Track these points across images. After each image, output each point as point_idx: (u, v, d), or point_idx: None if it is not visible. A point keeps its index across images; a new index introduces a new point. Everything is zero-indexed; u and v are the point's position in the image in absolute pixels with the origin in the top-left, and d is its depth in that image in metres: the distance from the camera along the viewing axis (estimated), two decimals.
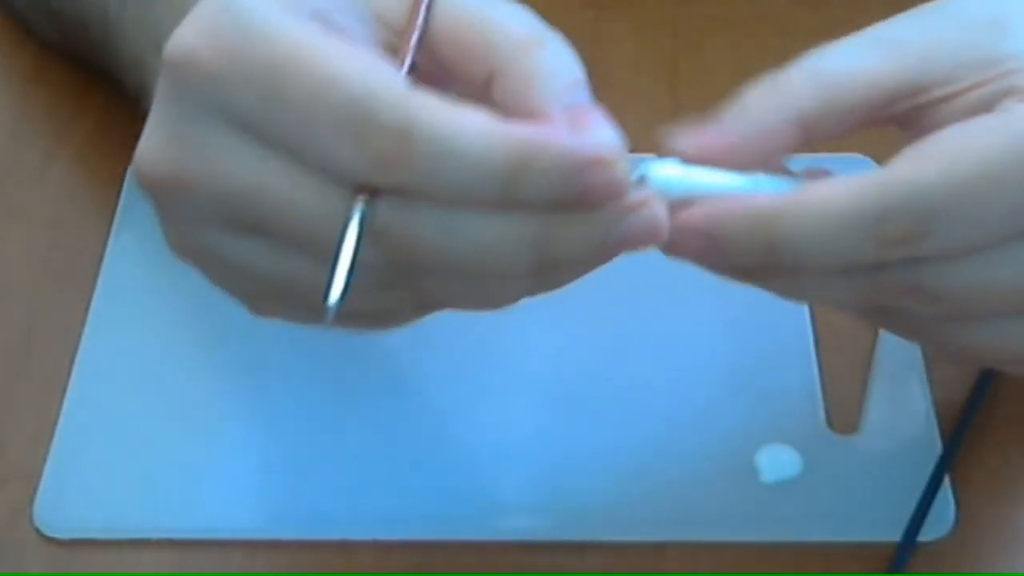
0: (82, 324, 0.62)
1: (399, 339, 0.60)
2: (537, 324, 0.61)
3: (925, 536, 0.55)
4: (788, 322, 0.61)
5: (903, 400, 0.59)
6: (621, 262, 0.63)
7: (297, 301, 0.48)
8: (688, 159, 0.49)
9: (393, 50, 0.48)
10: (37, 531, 0.56)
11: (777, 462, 0.56)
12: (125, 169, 0.66)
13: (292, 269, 0.47)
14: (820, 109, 0.50)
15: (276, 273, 0.47)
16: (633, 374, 0.60)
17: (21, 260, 0.65)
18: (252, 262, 0.48)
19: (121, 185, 0.66)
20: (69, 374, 0.60)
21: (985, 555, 0.55)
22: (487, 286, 0.47)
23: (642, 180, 0.48)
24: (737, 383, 0.59)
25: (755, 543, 0.55)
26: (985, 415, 0.58)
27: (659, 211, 0.47)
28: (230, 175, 0.46)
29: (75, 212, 0.67)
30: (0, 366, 0.61)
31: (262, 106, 0.45)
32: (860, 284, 0.48)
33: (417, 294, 0.48)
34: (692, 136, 0.50)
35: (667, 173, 0.49)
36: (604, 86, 0.72)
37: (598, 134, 0.46)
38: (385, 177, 0.44)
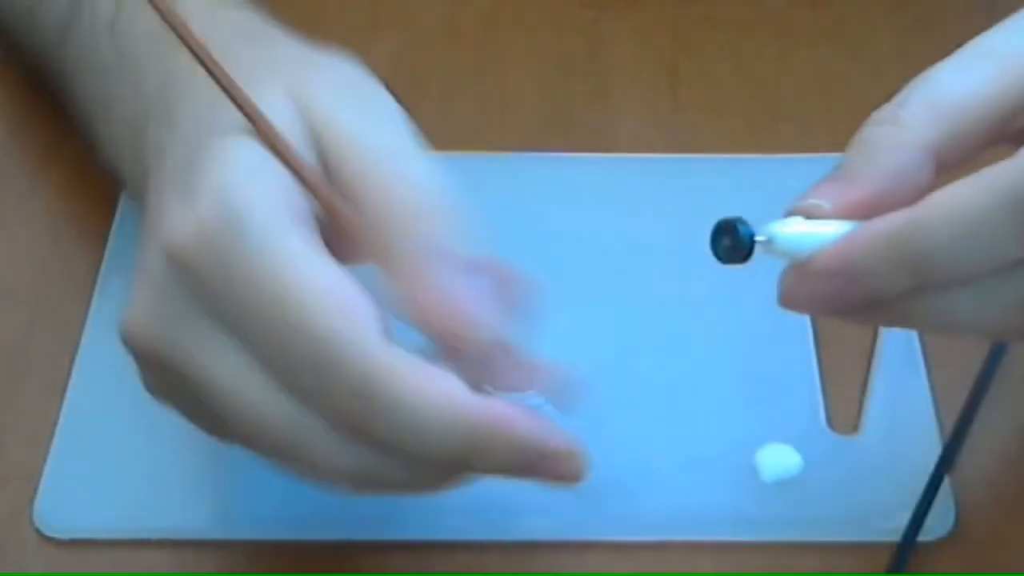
0: (82, 324, 0.62)
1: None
2: (537, 324, 0.61)
3: (925, 536, 0.55)
4: (788, 322, 0.60)
5: (903, 400, 0.59)
6: (621, 262, 0.64)
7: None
8: (824, 215, 0.48)
9: None
10: (37, 531, 0.56)
11: (777, 462, 0.56)
12: None
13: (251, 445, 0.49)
14: (948, 139, 0.48)
15: (237, 441, 0.50)
16: (633, 374, 0.60)
17: (21, 260, 0.65)
18: (214, 428, 0.50)
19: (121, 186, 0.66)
20: (69, 374, 0.60)
21: (985, 555, 0.55)
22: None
23: (769, 243, 0.47)
24: (737, 383, 0.59)
25: (755, 543, 0.55)
26: (985, 415, 0.58)
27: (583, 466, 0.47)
28: (206, 368, 0.47)
29: (75, 212, 0.67)
30: (0, 366, 0.61)
31: (245, 323, 0.46)
32: (1013, 291, 0.47)
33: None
34: (825, 192, 0.48)
35: (793, 231, 0.48)
36: (604, 86, 0.72)
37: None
38: (344, 423, 0.46)
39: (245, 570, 0.55)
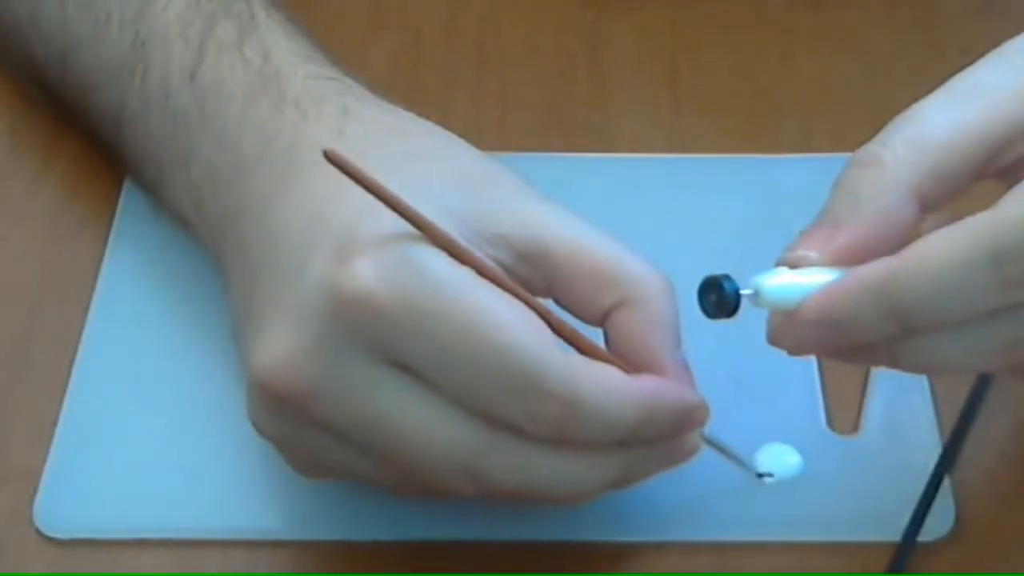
0: (82, 324, 0.62)
1: None
2: None
3: (925, 536, 0.55)
4: None
5: (903, 400, 0.59)
6: None
7: (361, 482, 0.53)
8: (811, 263, 0.48)
9: (509, 270, 0.51)
10: (37, 531, 0.56)
11: (777, 462, 0.56)
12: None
13: (381, 474, 0.51)
14: (931, 178, 0.48)
15: (361, 472, 0.51)
16: None
17: (21, 260, 0.65)
18: (342, 463, 0.51)
19: (121, 186, 0.66)
20: (69, 374, 0.60)
21: (985, 555, 0.55)
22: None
23: (756, 296, 0.48)
24: (737, 383, 0.59)
25: (755, 543, 0.55)
26: (985, 415, 0.58)
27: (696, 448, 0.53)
28: (369, 403, 0.48)
29: (75, 212, 0.67)
30: (0, 366, 0.61)
31: (433, 359, 0.48)
32: (996, 336, 0.47)
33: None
34: (811, 241, 0.49)
35: (778, 283, 0.48)
36: (604, 86, 0.72)
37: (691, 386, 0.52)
38: (534, 430, 0.48)
39: (245, 570, 0.55)
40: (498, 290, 0.48)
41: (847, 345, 0.48)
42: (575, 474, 0.50)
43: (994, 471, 0.57)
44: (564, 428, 0.48)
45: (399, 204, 0.48)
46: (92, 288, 0.63)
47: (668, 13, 0.75)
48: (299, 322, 0.49)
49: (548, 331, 0.49)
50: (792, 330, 0.49)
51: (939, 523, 0.55)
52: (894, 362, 0.49)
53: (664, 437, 0.51)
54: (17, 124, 0.71)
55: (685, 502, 0.56)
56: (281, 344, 0.49)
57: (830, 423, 0.58)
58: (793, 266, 0.49)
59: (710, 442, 0.53)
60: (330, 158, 0.48)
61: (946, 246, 0.46)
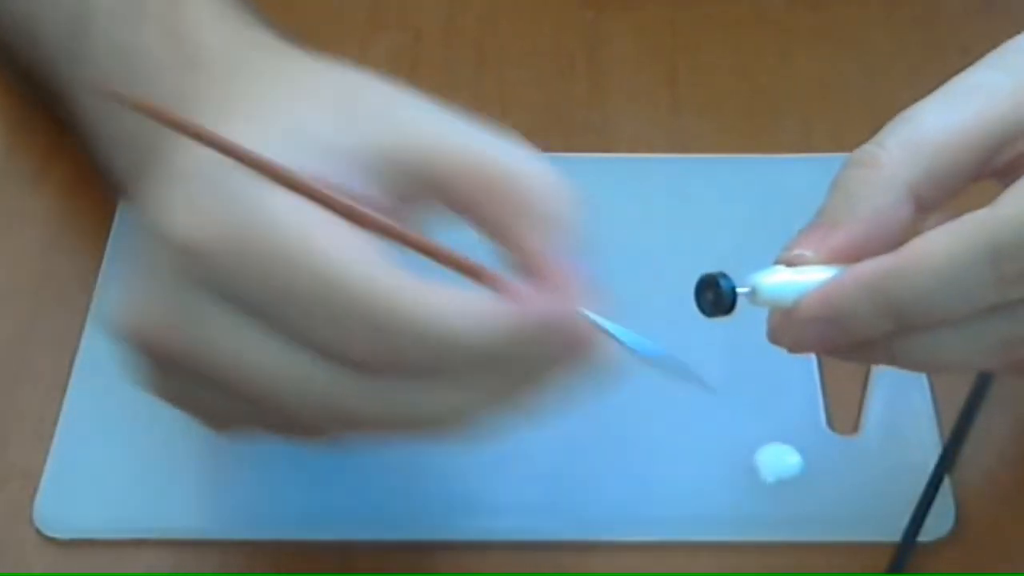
0: (82, 324, 0.62)
1: None
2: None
3: (925, 536, 0.55)
4: None
5: (903, 400, 0.59)
6: (621, 262, 0.63)
7: (258, 428, 0.50)
8: (807, 262, 0.48)
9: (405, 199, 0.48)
10: (37, 531, 0.56)
11: (777, 462, 0.57)
12: None
13: (265, 420, 0.49)
14: (927, 177, 0.49)
15: (248, 420, 0.50)
16: (633, 374, 0.60)
17: (21, 260, 0.65)
18: (227, 411, 0.49)
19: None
20: (69, 374, 0.60)
21: (985, 555, 0.55)
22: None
23: (753, 294, 0.48)
24: (737, 383, 0.59)
25: (755, 543, 0.55)
26: (985, 415, 0.58)
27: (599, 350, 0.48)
28: (235, 354, 0.47)
29: (75, 213, 0.67)
30: (0, 366, 0.61)
31: (264, 298, 0.46)
32: (994, 333, 0.47)
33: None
34: (808, 241, 0.49)
35: (775, 281, 0.48)
36: (603, 86, 0.72)
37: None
38: (366, 360, 0.46)
39: (245, 570, 0.55)
40: (324, 215, 0.46)
41: (846, 342, 0.48)
42: (442, 403, 0.47)
43: (994, 471, 0.57)
44: (402, 357, 0.46)
45: (206, 135, 0.47)
46: (92, 289, 0.63)
47: (667, 13, 0.75)
48: (143, 273, 0.48)
49: (378, 253, 0.46)
50: (791, 327, 0.49)
51: (939, 523, 0.55)
52: (892, 359, 0.49)
53: (541, 359, 0.47)
54: (17, 125, 0.71)
55: (685, 502, 0.56)
56: (139, 299, 0.48)
57: (830, 423, 0.58)
58: (790, 265, 0.49)
59: (637, 353, 0.49)
60: (114, 97, 0.47)
61: (944, 243, 0.46)
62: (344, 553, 0.55)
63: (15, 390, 0.60)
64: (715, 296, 0.49)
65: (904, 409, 0.59)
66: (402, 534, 0.55)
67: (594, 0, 0.76)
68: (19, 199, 0.68)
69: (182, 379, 0.49)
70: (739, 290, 0.48)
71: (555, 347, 0.46)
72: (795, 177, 0.65)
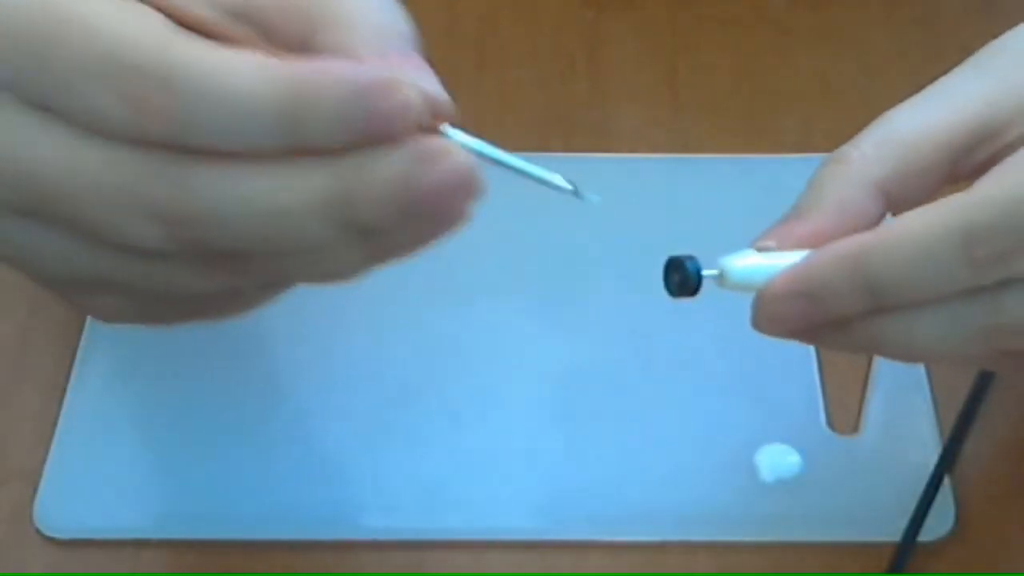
0: (82, 324, 0.62)
1: (401, 343, 0.60)
2: (538, 323, 0.61)
3: (925, 536, 0.55)
4: None
5: (903, 400, 0.59)
6: (621, 262, 0.63)
7: (102, 293, 0.46)
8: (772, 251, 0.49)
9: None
10: (37, 531, 0.56)
11: (777, 462, 0.57)
12: None
13: (82, 257, 0.45)
14: (897, 173, 0.49)
15: (69, 263, 0.45)
16: (633, 374, 0.60)
17: None
18: (43, 251, 0.45)
19: None
20: (69, 374, 0.60)
21: (985, 555, 0.55)
22: (302, 259, 0.44)
23: (722, 277, 0.48)
24: (737, 383, 0.59)
25: (755, 543, 0.55)
26: (985, 415, 0.58)
27: (464, 159, 0.44)
28: (19, 153, 0.43)
29: None
30: (0, 366, 0.61)
31: (25, 67, 0.43)
32: (973, 320, 0.47)
33: (243, 274, 0.45)
34: (775, 234, 0.49)
35: (744, 264, 0.48)
36: (604, 85, 0.72)
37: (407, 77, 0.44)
38: (152, 128, 0.42)
39: (245, 570, 0.55)
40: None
41: (822, 319, 0.48)
42: (260, 204, 0.42)
43: (994, 471, 0.57)
44: (176, 118, 0.41)
45: None
46: None
47: (667, 12, 0.75)
48: None
49: (151, 15, 0.43)
50: (769, 307, 0.48)
51: (939, 523, 0.55)
52: (871, 342, 0.49)
53: (344, 130, 0.42)
54: None
55: (685, 502, 0.56)
56: None
57: (830, 423, 0.58)
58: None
59: (498, 161, 0.45)
60: None
61: (920, 222, 0.47)
62: (345, 553, 0.55)
63: (15, 390, 0.60)
64: (681, 277, 0.49)
65: (904, 409, 0.59)
66: (402, 534, 0.55)
67: (594, 0, 0.76)
68: None
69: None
70: (706, 272, 0.48)
71: (364, 116, 0.42)
72: (795, 177, 0.65)
